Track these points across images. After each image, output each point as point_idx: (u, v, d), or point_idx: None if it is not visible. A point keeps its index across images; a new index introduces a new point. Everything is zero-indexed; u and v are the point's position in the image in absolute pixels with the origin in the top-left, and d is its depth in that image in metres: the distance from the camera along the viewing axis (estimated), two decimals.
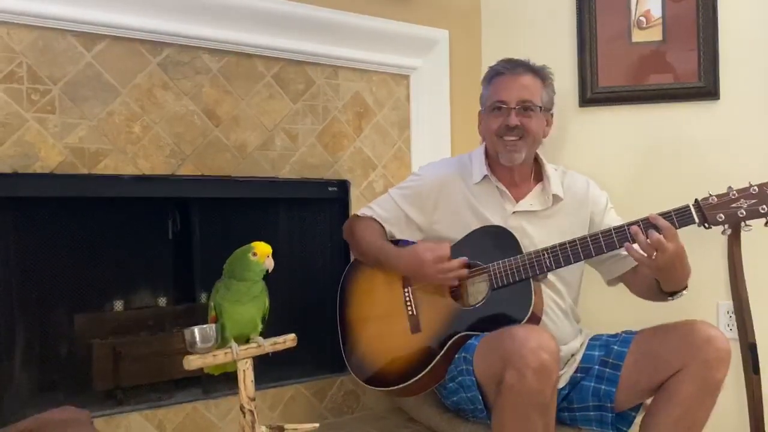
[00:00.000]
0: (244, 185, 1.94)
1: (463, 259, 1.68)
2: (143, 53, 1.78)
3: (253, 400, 1.43)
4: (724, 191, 1.56)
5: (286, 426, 1.47)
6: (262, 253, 1.41)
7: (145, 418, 1.76)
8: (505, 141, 1.73)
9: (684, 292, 1.64)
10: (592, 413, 1.68)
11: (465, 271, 1.68)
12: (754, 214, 1.53)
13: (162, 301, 2.04)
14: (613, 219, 1.77)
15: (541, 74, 1.77)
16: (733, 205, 1.54)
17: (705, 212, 1.55)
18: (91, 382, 1.84)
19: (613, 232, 1.59)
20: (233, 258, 1.44)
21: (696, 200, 1.57)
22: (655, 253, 1.51)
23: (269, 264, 1.42)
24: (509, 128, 1.72)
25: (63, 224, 1.84)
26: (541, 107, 1.74)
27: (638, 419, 1.67)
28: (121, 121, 1.75)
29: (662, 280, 1.61)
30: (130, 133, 1.76)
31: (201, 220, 2.00)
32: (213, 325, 1.41)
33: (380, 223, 1.85)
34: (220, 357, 1.41)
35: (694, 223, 1.56)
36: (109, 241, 1.94)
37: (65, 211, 1.83)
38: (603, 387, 1.66)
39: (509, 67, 1.75)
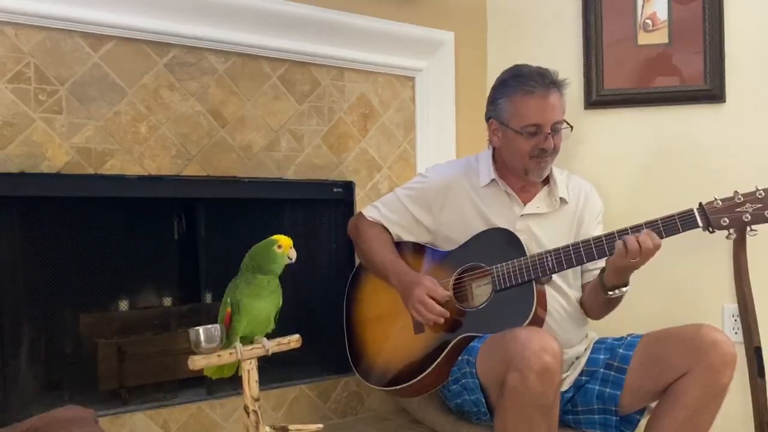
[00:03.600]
0: (249, 186, 1.94)
1: (445, 311, 1.66)
2: (150, 54, 1.78)
3: (258, 400, 1.43)
4: (730, 195, 1.56)
5: (290, 426, 1.48)
6: (285, 245, 1.45)
7: (150, 418, 1.76)
8: (538, 160, 1.71)
9: (624, 289, 1.64)
10: (596, 416, 1.68)
11: (441, 320, 1.66)
12: (759, 218, 1.53)
13: (167, 301, 2.04)
14: (599, 232, 1.76)
15: (562, 86, 1.71)
16: (738, 209, 1.54)
17: (709, 216, 1.55)
18: (96, 381, 1.85)
19: (616, 235, 1.59)
20: (256, 253, 1.46)
21: (700, 204, 1.56)
22: (638, 258, 1.53)
23: (293, 254, 1.46)
24: (544, 150, 1.69)
25: (69, 224, 1.84)
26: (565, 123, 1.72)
27: (643, 422, 1.67)
28: (128, 122, 1.76)
29: (614, 276, 1.62)
30: (136, 133, 1.77)
31: (206, 221, 2.00)
32: (218, 326, 1.41)
33: (387, 229, 1.86)
34: (225, 357, 1.42)
35: (698, 227, 1.56)
36: (115, 240, 1.94)
37: (71, 211, 1.84)
38: (608, 390, 1.66)
39: (540, 86, 1.66)
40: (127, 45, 1.75)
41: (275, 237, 1.46)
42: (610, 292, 1.64)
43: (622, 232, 1.58)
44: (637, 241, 1.53)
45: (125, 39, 1.74)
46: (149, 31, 1.75)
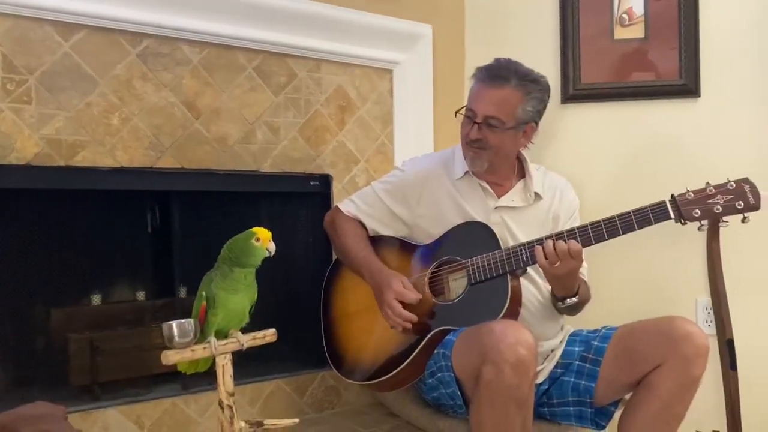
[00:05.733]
0: (224, 179, 1.91)
1: (413, 316, 1.67)
2: (122, 44, 1.75)
3: (232, 395, 1.42)
4: (702, 186, 1.57)
5: (266, 421, 1.46)
6: (264, 238, 1.43)
7: (123, 414, 1.74)
8: (469, 148, 1.73)
9: (575, 298, 1.66)
10: (571, 408, 1.69)
11: (408, 325, 1.67)
12: (730, 209, 1.54)
13: (141, 296, 2.01)
14: None
15: (524, 86, 1.68)
16: (710, 200, 1.55)
17: (681, 208, 1.56)
18: (67, 377, 1.82)
19: (589, 227, 1.59)
20: (234, 245, 1.44)
21: (672, 196, 1.58)
22: (558, 262, 1.56)
23: (272, 248, 1.43)
24: (471, 139, 1.71)
25: (39, 217, 1.81)
26: (511, 124, 1.69)
27: (617, 414, 1.68)
28: (100, 113, 1.72)
29: (554, 287, 1.67)
30: (108, 124, 1.74)
31: (181, 214, 1.97)
32: (191, 320, 1.39)
33: (363, 223, 1.86)
34: (199, 352, 1.40)
35: (670, 218, 1.57)
36: (87, 234, 1.91)
37: (41, 204, 1.81)
38: (583, 382, 1.67)
39: (488, 77, 1.68)
40: (99, 34, 1.71)
41: (254, 229, 1.44)
42: (560, 303, 1.67)
43: (595, 225, 1.59)
44: (545, 253, 1.56)
45: (97, 28, 1.71)
46: (121, 20, 1.72)
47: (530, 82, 1.70)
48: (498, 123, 1.68)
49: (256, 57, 1.95)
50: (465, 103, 1.79)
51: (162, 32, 1.78)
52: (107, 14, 1.69)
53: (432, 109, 2.30)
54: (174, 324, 1.37)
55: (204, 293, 1.44)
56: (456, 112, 1.75)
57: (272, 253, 1.44)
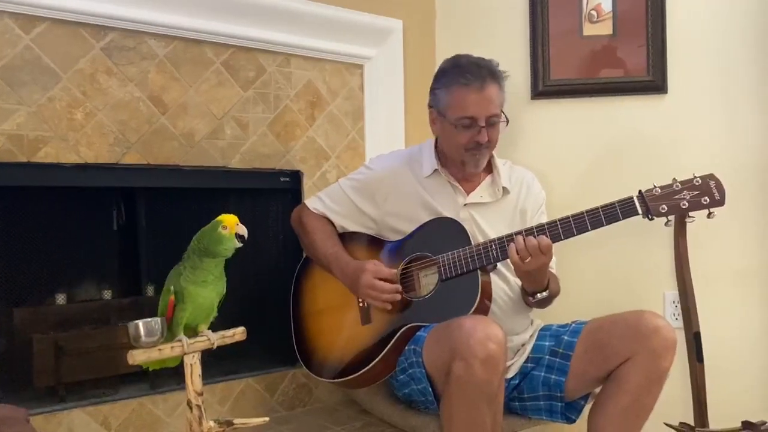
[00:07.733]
0: (192, 175, 1.89)
1: (397, 286, 1.66)
2: (86, 37, 1.71)
3: (201, 395, 1.40)
4: (669, 182, 1.59)
5: (235, 420, 1.45)
6: (231, 224, 1.40)
7: (89, 415, 1.70)
8: (473, 153, 1.71)
9: (545, 293, 1.67)
10: (542, 403, 1.70)
11: (397, 297, 1.66)
12: (696, 205, 1.57)
13: (107, 294, 1.97)
14: (543, 220, 1.78)
15: (500, 79, 1.71)
16: (676, 196, 1.57)
17: (648, 204, 1.58)
18: (31, 378, 1.77)
19: (558, 223, 1.60)
20: (203, 236, 1.41)
21: (640, 192, 1.59)
22: (529, 258, 1.56)
23: (242, 230, 1.41)
24: (479, 144, 1.69)
25: (1, 215, 1.76)
26: (502, 117, 1.71)
27: (587, 408, 1.70)
28: (63, 108, 1.68)
29: (525, 283, 1.67)
30: (71, 119, 1.70)
31: (147, 211, 1.94)
32: (158, 319, 1.37)
33: (331, 220, 1.85)
34: (166, 351, 1.37)
35: (638, 214, 1.59)
36: (51, 232, 1.87)
37: (3, 201, 1.76)
38: (553, 377, 1.68)
39: (476, 79, 1.66)
40: (62, 27, 1.67)
41: (219, 218, 1.42)
42: (531, 298, 1.68)
43: (564, 220, 1.60)
44: (517, 251, 1.56)
45: (59, 21, 1.66)
46: (85, 13, 1.68)
47: (501, 75, 1.72)
48: (497, 119, 1.70)
49: (224, 51, 1.92)
50: (433, 107, 1.77)
51: (127, 25, 1.75)
52: (70, 6, 1.65)
53: (403, 105, 2.29)
54: (140, 323, 1.35)
55: (172, 287, 1.42)
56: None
57: (244, 235, 1.42)
